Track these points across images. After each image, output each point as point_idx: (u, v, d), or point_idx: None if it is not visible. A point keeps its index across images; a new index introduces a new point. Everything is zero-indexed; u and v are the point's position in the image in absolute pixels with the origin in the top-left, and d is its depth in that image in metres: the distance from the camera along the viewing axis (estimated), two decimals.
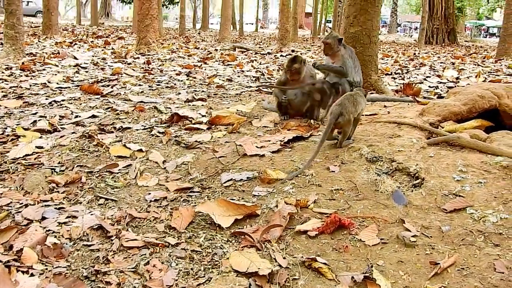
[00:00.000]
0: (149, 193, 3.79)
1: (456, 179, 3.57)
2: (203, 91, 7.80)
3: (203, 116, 5.88)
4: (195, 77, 9.44)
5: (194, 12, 52.25)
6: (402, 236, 3.08)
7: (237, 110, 5.84)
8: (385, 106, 6.20)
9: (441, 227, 3.14)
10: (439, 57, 18.46)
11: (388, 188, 3.63)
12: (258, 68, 12.12)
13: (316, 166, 3.84)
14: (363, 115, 5.47)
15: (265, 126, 5.20)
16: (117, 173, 4.17)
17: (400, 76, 10.90)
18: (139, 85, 8.08)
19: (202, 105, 6.56)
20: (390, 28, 61.84)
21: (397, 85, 9.11)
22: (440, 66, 14.00)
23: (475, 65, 14.81)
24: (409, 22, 72.16)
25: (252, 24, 60.52)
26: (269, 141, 4.55)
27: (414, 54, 19.83)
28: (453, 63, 14.98)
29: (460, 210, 3.26)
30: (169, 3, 48.49)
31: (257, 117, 5.60)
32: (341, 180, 3.77)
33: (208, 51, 16.85)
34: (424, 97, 7.45)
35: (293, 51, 18.40)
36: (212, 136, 5.00)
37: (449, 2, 34.43)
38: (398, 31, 66.59)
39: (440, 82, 9.91)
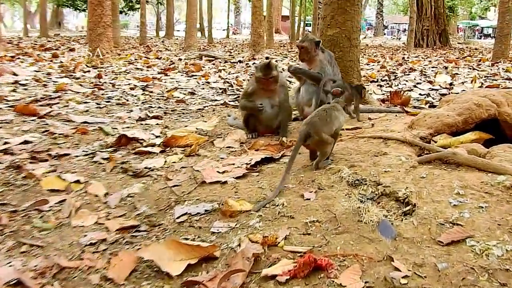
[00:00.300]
0: (85, 235, 3.49)
1: (453, 204, 3.40)
2: (159, 107, 7.68)
3: (156, 137, 5.71)
4: (151, 91, 9.32)
5: (157, 19, 52.26)
6: (390, 277, 2.83)
7: (197, 128, 5.75)
8: (369, 119, 6.11)
9: (436, 264, 2.91)
10: (430, 61, 18.62)
11: (373, 217, 3.42)
12: (226, 78, 12.03)
13: (288, 193, 3.71)
14: (344, 129, 5.28)
15: (229, 147, 5.12)
16: (48, 211, 3.86)
17: (388, 84, 10.89)
18: (85, 102, 7.84)
19: (157, 123, 6.41)
20: (376, 30, 62.80)
21: (383, 94, 9.05)
22: (432, 71, 14.11)
23: (470, 69, 14.95)
24: (396, 23, 73.47)
25: (224, 30, 60.73)
26: (233, 164, 4.44)
27: (403, 58, 20.02)
28: (446, 68, 15.11)
29: (458, 242, 3.06)
30: (129, 9, 48.35)
31: (220, 135, 5.53)
32: (318, 209, 3.56)
33: (171, 61, 16.72)
34: (414, 107, 7.35)
35: (267, 58, 18.30)
36: (165, 161, 4.82)
37: (439, 1, 35.04)
38: (385, 34, 67.70)
39: (432, 89, 9.91)
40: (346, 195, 3.71)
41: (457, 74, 12.92)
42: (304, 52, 6.07)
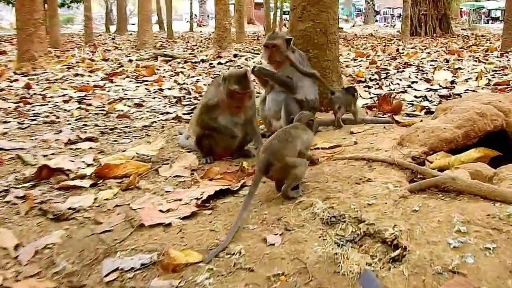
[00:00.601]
0: None
1: (452, 246, 3.24)
2: (96, 125, 7.48)
3: (88, 165, 5.47)
4: (89, 104, 9.11)
5: (107, 11, 51.91)
6: None
7: (138, 153, 5.56)
8: (351, 133, 6.01)
9: None
10: (429, 52, 18.62)
11: (354, 267, 3.26)
12: (184, 83, 11.87)
13: (248, 236, 3.60)
14: (319, 148, 5.17)
15: (177, 176, 5.00)
16: None
17: (377, 84, 10.78)
18: (5, 122, 7.53)
19: (90, 147, 6.21)
20: (366, 17, 63.38)
21: (372, 97, 8.88)
22: (431, 65, 14.08)
23: (476, 61, 15.00)
24: (390, 8, 74.19)
25: (187, 21, 60.62)
26: (180, 200, 4.30)
27: (397, 50, 20.05)
28: (447, 61, 15.11)
29: None
30: (72, 1, 47.94)
31: (167, 161, 5.43)
32: (284, 258, 3.39)
33: (119, 64, 16.50)
34: (407, 115, 7.24)
35: (235, 56, 18.18)
36: (96, 198, 4.57)
37: None
38: (377, 21, 68.38)
39: (430, 89, 9.83)
40: (320, 237, 3.55)
41: (460, 68, 12.87)
42: (275, 52, 5.99)
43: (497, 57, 16.03)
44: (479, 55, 16.61)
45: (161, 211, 4.10)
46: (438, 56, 16.83)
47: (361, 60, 16.13)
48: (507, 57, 15.80)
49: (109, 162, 5.17)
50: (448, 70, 12.51)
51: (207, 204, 4.16)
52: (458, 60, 15.31)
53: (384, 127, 6.19)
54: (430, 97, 8.94)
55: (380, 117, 7.07)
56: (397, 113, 7.25)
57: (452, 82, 10.48)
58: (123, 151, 5.72)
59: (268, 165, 3.91)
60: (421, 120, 6.07)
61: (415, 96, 8.88)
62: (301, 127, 4.15)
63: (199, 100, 9.30)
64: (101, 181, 4.99)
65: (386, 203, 3.70)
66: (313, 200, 3.90)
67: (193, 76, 13.19)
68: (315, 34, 7.18)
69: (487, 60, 15.08)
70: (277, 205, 3.98)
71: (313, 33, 7.19)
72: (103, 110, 8.56)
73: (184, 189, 4.56)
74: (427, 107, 7.60)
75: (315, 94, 6.26)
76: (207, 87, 5.47)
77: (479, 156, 4.38)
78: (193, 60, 17.17)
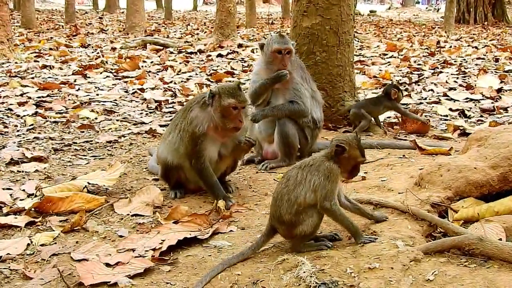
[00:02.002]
0: None
1: None
2: (50, 138, 7.27)
3: (28, 196, 5.29)
4: (50, 108, 8.86)
5: None
6: None
7: (89, 183, 5.33)
8: None
9: None
10: (476, 47, 18.30)
11: None
12: (171, 82, 11.68)
13: None
14: None
15: (136, 215, 4.87)
16: None
17: (406, 90, 10.46)
18: None
19: (36, 170, 5.99)
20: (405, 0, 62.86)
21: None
22: (476, 65, 13.74)
23: None
24: None
25: None
26: (134, 250, 4.16)
27: (438, 43, 19.67)
28: (497, 60, 14.73)
29: None
30: None
31: (127, 193, 5.32)
32: None
33: (100, 52, 16.20)
34: (436, 137, 6.96)
35: (240, 46, 17.93)
36: (30, 243, 4.37)
37: None
38: (418, 2, 67.91)
39: (470, 100, 9.53)
40: None
41: (510, 72, 12.47)
42: (288, 60, 5.87)
43: None
44: None
45: (107, 265, 3.96)
46: (486, 52, 16.48)
47: (392, 56, 15.83)
48: None
49: (52, 194, 5.04)
50: (496, 73, 12.13)
51: (166, 258, 4.02)
52: (510, 58, 14.92)
53: (404, 155, 5.98)
54: (469, 110, 8.66)
55: (400, 139, 6.88)
56: (423, 133, 7.04)
57: (499, 90, 10.15)
58: (73, 178, 5.58)
59: (273, 228, 3.96)
60: (450, 151, 5.91)
61: (450, 109, 8.57)
62: (323, 165, 3.90)
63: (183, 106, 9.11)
64: (40, 218, 4.80)
65: (392, 268, 3.53)
66: (299, 259, 3.72)
67: (185, 72, 12.98)
68: (324, 33, 6.96)
69: None
70: (254, 263, 3.81)
71: (321, 32, 6.96)
72: (64, 117, 8.35)
73: (141, 235, 4.41)
74: (461, 128, 7.29)
75: (320, 111, 6.12)
76: (183, 113, 5.21)
77: None
78: (189, 50, 16.99)
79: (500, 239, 3.76)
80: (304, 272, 3.58)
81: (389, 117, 7.94)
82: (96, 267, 3.88)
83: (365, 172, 5.39)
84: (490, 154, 4.47)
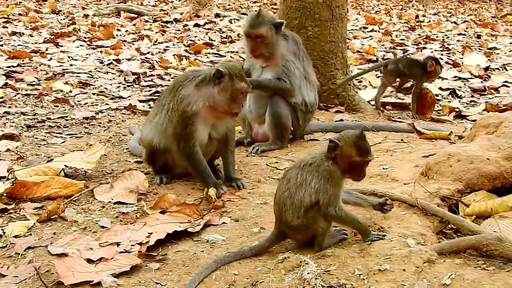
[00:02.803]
0: None
1: None
2: (22, 113, 6.93)
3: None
4: (21, 79, 8.47)
5: None
6: None
7: (67, 166, 5.07)
8: None
9: None
10: (455, 23, 18.22)
11: None
12: (148, 53, 11.32)
13: None
14: None
15: (118, 203, 4.65)
16: None
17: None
18: None
19: (8, 149, 5.67)
20: None
21: (387, 90, 8.33)
22: (458, 42, 13.63)
23: None
24: None
25: None
26: (118, 244, 3.97)
27: (417, 17, 19.57)
28: (479, 36, 14.65)
29: None
30: None
31: (108, 177, 5.14)
32: None
33: (72, 19, 15.79)
34: (432, 119, 6.77)
35: (217, 15, 17.56)
36: (3, 234, 4.12)
37: None
38: None
39: (459, 78, 9.38)
40: None
41: (494, 49, 12.41)
42: (260, 44, 5.57)
43: None
44: None
45: (89, 261, 3.78)
46: (467, 28, 16.43)
47: (373, 30, 15.62)
48: None
49: (26, 178, 4.79)
50: (481, 50, 12.08)
51: (155, 254, 3.84)
52: (492, 35, 14.87)
53: (402, 139, 5.79)
54: (460, 89, 8.50)
55: (394, 120, 6.70)
56: (427, 114, 6.88)
57: (487, 69, 10.04)
58: (49, 159, 5.30)
59: (282, 233, 3.78)
60: (450, 136, 5.76)
61: (440, 88, 8.41)
62: (322, 166, 3.69)
63: (163, 79, 8.87)
64: (13, 204, 4.55)
65: (404, 270, 3.38)
66: (302, 258, 3.54)
67: (161, 42, 12.64)
68: (317, 6, 6.71)
69: None
70: (252, 262, 3.62)
71: (313, 5, 6.71)
72: (36, 89, 7.99)
73: (126, 226, 4.21)
74: (457, 109, 7.15)
75: (315, 94, 5.89)
76: (171, 92, 4.95)
77: None
78: (165, 19, 16.55)
79: None
80: (308, 273, 3.43)
81: (385, 97, 7.75)
82: (76, 264, 3.70)
83: None
84: (504, 144, 4.34)
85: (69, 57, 10.39)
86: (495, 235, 3.52)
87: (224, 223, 4.18)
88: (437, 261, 3.46)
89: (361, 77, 8.88)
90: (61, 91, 7.92)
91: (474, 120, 6.55)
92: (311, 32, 6.67)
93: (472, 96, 8.16)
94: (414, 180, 4.35)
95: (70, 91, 7.96)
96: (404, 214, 3.95)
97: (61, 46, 11.47)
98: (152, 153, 5.03)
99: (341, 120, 6.48)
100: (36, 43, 11.72)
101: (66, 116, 6.78)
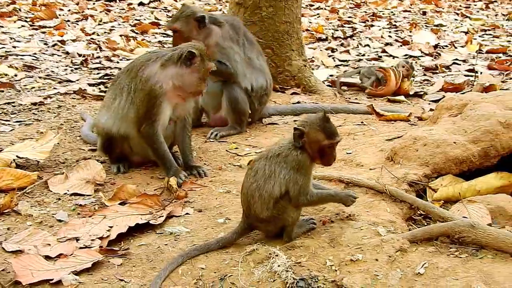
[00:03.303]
0: None
1: None
2: None
3: None
4: None
5: None
6: None
7: (18, 156, 4.92)
8: None
9: None
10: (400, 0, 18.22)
11: None
12: (93, 33, 11.05)
13: None
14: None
15: (75, 194, 4.55)
16: None
17: (342, 45, 10.30)
18: None
19: None
20: None
21: (338, 66, 8.44)
22: (405, 19, 13.72)
23: (458, 14, 14.71)
24: None
25: None
26: (78, 239, 3.88)
27: None
28: (424, 13, 14.75)
29: None
30: None
31: (62, 167, 5.01)
32: None
33: None
34: (388, 99, 6.75)
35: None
36: None
37: None
38: None
39: (410, 56, 9.42)
40: None
41: (441, 26, 12.59)
42: (179, 38, 5.53)
43: (482, 9, 15.80)
44: (461, 5, 16.35)
45: (48, 258, 3.68)
46: (411, 4, 16.52)
47: (319, 7, 15.58)
48: (493, 9, 15.55)
49: None
50: (428, 27, 12.22)
51: (116, 248, 3.77)
52: (437, 12, 15.00)
53: (362, 122, 5.75)
54: (414, 67, 8.42)
55: (351, 102, 6.67)
56: (402, 92, 6.90)
57: (436, 46, 10.16)
58: None
59: (250, 226, 3.69)
60: (409, 117, 5.76)
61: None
62: (290, 156, 3.60)
63: (112, 61, 8.67)
64: None
65: (377, 260, 3.38)
66: (271, 250, 3.48)
67: (106, 22, 12.38)
68: None
69: (471, 13, 14.80)
70: (219, 255, 3.54)
71: None
72: None
73: (84, 219, 4.09)
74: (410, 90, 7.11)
75: (265, 78, 5.82)
76: (129, 73, 4.90)
77: (502, 184, 4.11)
78: None
79: (490, 225, 3.65)
80: (278, 265, 3.40)
81: (332, 76, 7.76)
82: (34, 262, 3.61)
83: None
84: (470, 127, 4.35)
85: (11, 38, 10.05)
86: (467, 221, 3.52)
87: (187, 214, 4.09)
88: (409, 250, 3.44)
89: (313, 57, 8.87)
90: (6, 75, 7.68)
91: (432, 100, 6.59)
92: (265, 13, 6.60)
93: (425, 75, 8.21)
94: (381, 166, 4.33)
95: (15, 75, 7.72)
96: (373, 201, 3.93)
97: (2, 27, 11.10)
98: (109, 141, 4.91)
99: (298, 102, 6.42)
100: None
101: (13, 102, 6.57)
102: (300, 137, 3.43)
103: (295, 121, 3.78)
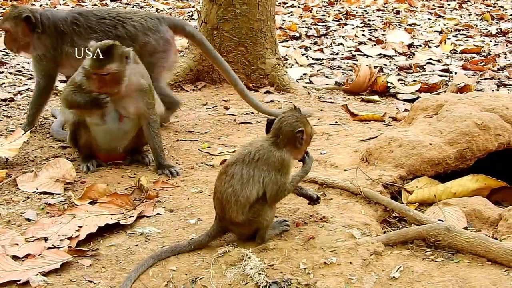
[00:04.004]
0: None
1: None
2: None
3: None
4: None
5: None
6: None
7: None
8: None
9: None
10: None
11: None
12: None
13: None
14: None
15: (44, 193, 4.50)
16: None
17: (315, 43, 10.32)
18: None
19: None
20: None
21: (311, 64, 8.46)
22: (379, 18, 13.76)
23: (431, 14, 14.77)
24: None
25: None
26: (46, 240, 3.83)
27: None
28: (398, 12, 14.79)
29: None
30: None
31: (31, 165, 4.98)
32: None
33: None
34: (362, 99, 6.74)
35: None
36: None
37: None
38: None
39: (384, 55, 9.46)
40: None
41: (415, 25, 12.66)
42: (10, 38, 5.49)
43: (455, 8, 15.89)
44: (434, 5, 16.42)
45: (15, 257, 3.65)
46: (385, 3, 16.53)
47: (292, 5, 15.60)
48: (466, 9, 15.64)
49: None
50: (401, 27, 12.30)
51: (86, 249, 3.72)
52: (410, 11, 15.05)
53: (336, 121, 5.73)
54: (386, 67, 8.53)
55: (325, 101, 6.64)
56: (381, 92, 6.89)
57: (410, 45, 10.20)
58: None
59: (223, 229, 3.65)
60: (384, 117, 5.74)
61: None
62: (273, 157, 3.55)
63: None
64: None
65: (351, 263, 3.37)
66: (243, 252, 3.47)
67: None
68: None
69: (444, 13, 14.87)
70: (190, 256, 3.52)
71: None
72: None
73: (53, 218, 4.04)
74: (388, 87, 7.08)
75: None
76: None
77: (478, 187, 4.12)
78: None
79: (466, 228, 3.64)
80: (251, 268, 3.37)
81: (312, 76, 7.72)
82: (1, 262, 3.58)
83: None
84: (446, 129, 4.33)
85: None
86: (443, 225, 3.50)
87: (158, 214, 4.04)
88: (384, 253, 3.43)
89: (287, 55, 8.84)
90: None
91: (406, 100, 6.58)
92: (239, 10, 6.56)
93: (399, 74, 8.21)
94: (356, 167, 4.28)
95: None
96: (347, 203, 3.90)
97: None
98: (74, 132, 4.86)
99: (272, 101, 6.37)
100: None
101: None
102: (302, 136, 3.43)
103: (268, 120, 3.69)
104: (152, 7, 14.18)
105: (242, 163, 3.48)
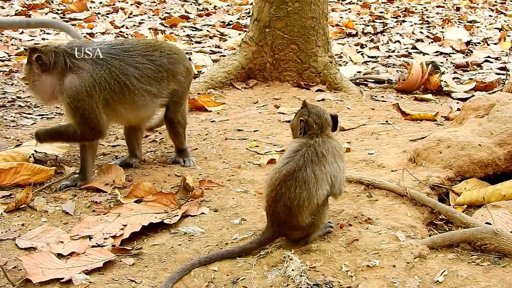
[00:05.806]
0: None
1: None
2: None
3: None
4: None
5: None
6: None
7: (37, 151, 4.91)
8: (341, 129, 5.43)
9: None
10: None
11: None
12: (123, 26, 11.15)
13: None
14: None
15: (91, 190, 4.53)
16: None
17: (372, 40, 10.18)
18: None
19: None
20: None
21: (366, 62, 8.33)
22: (438, 15, 13.46)
23: (493, 10, 14.40)
24: None
25: None
26: (90, 238, 3.83)
27: None
28: (458, 9, 14.46)
29: None
30: None
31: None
32: None
33: None
34: (415, 98, 6.59)
35: None
36: None
37: None
38: None
39: (440, 53, 9.24)
40: None
41: (474, 22, 12.35)
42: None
43: None
44: (496, 1, 16.05)
45: (60, 255, 3.64)
46: (445, 0, 16.19)
47: (351, 2, 15.40)
48: None
49: None
50: (461, 24, 12.02)
51: (129, 248, 3.71)
52: (471, 7, 14.70)
53: (387, 120, 5.62)
54: (442, 65, 8.29)
55: (377, 100, 6.51)
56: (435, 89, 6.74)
57: (468, 43, 9.93)
58: (18, 144, 5.15)
59: (280, 229, 3.53)
60: (436, 117, 5.63)
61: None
62: (329, 148, 3.52)
63: None
64: None
65: (394, 266, 3.28)
66: (286, 253, 3.42)
67: (136, 15, 12.42)
68: None
69: (506, 10, 14.50)
70: (233, 258, 3.47)
71: None
72: (6, 65, 7.76)
73: (99, 217, 4.06)
74: (442, 85, 6.92)
75: None
76: None
77: None
78: None
79: None
80: (292, 270, 3.33)
81: (366, 74, 7.64)
82: (46, 260, 3.56)
83: (348, 142, 5.07)
84: (496, 129, 4.22)
85: (41, 30, 10.13)
86: (490, 228, 3.42)
87: (202, 213, 4.02)
88: (428, 256, 3.37)
89: (342, 53, 8.75)
90: None
91: (460, 99, 6.42)
92: (291, 8, 6.52)
93: (455, 72, 8.02)
94: (403, 168, 4.21)
95: None
96: (393, 204, 3.84)
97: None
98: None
99: (323, 99, 6.29)
100: (7, 15, 11.39)
101: None
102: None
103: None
104: (210, 4, 14.19)
105: (312, 163, 3.39)
